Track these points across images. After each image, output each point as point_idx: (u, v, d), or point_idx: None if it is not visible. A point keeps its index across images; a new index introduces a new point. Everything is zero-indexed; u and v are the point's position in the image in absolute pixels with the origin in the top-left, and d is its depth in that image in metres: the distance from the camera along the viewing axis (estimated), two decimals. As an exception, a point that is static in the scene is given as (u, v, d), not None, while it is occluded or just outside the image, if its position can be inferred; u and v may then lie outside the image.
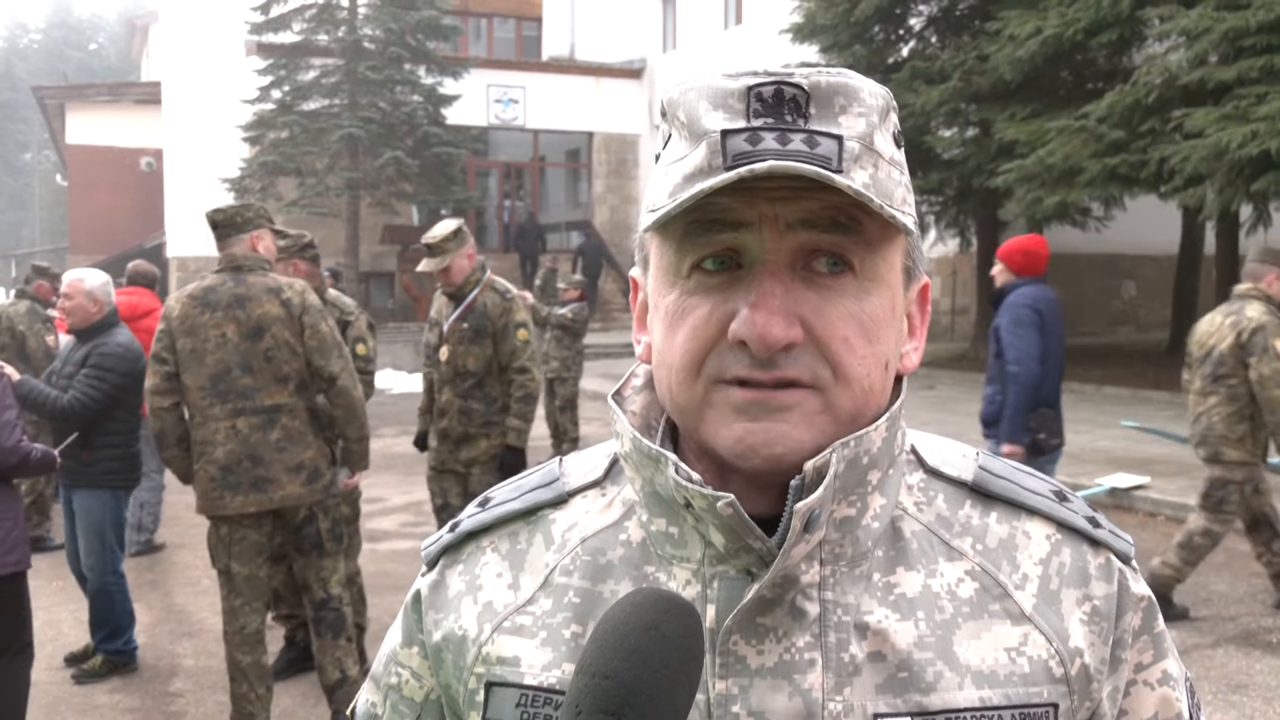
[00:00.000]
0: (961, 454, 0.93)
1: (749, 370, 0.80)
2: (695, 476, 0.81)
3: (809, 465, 0.80)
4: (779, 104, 0.79)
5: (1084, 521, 0.90)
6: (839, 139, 0.79)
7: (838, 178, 0.75)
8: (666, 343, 0.84)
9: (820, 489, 0.79)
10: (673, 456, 0.82)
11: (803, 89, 0.79)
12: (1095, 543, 0.90)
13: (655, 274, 0.87)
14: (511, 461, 5.36)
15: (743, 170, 0.76)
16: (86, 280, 5.48)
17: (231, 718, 4.48)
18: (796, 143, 0.78)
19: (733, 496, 0.79)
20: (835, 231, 0.79)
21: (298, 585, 5.37)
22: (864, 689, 0.82)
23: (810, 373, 0.80)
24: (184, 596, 6.80)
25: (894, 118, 0.85)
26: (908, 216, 0.82)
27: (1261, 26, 10.87)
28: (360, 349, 5.33)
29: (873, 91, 0.81)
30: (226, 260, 4.39)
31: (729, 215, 0.80)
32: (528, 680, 0.87)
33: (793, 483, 0.81)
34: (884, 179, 0.80)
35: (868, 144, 0.80)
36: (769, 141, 0.78)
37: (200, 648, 5.91)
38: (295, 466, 4.35)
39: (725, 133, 0.79)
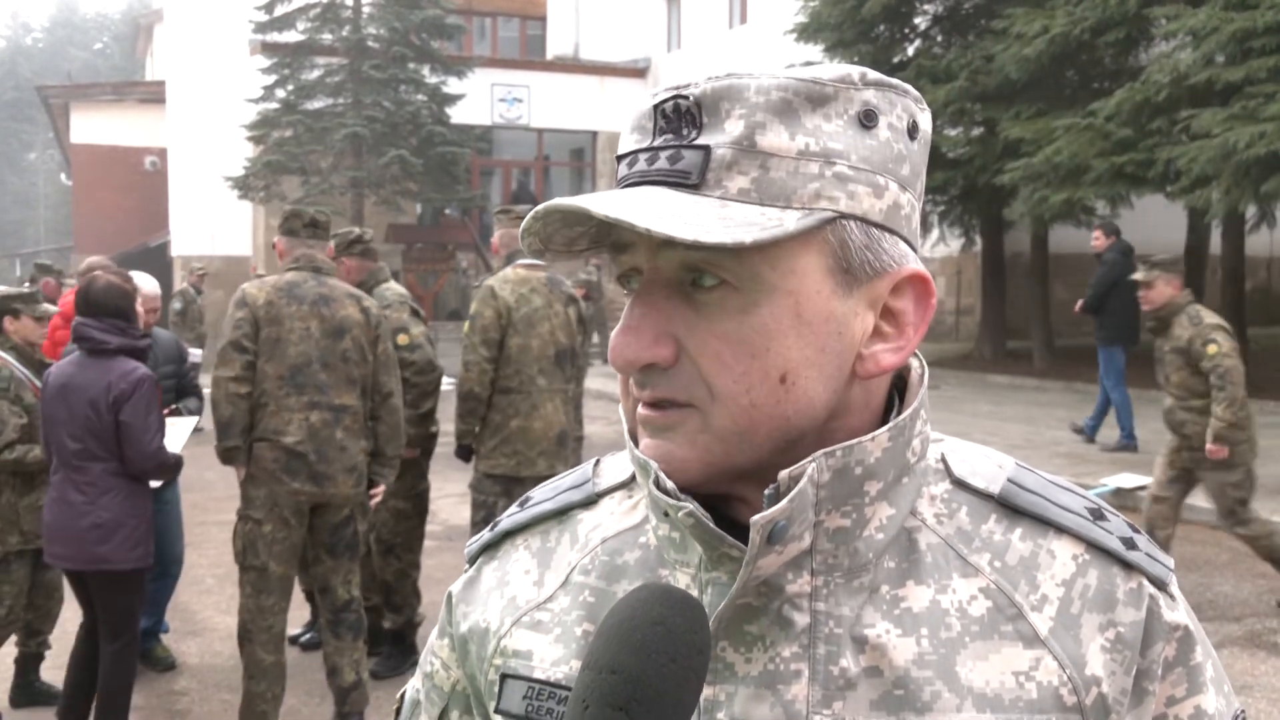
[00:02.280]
0: (997, 465, 0.89)
1: (635, 389, 0.82)
2: (669, 485, 0.80)
3: (784, 474, 0.79)
4: (678, 118, 0.79)
5: (1117, 543, 0.86)
6: (706, 149, 0.78)
7: (599, 210, 0.74)
8: None
9: (782, 502, 0.78)
10: (655, 465, 0.81)
11: (692, 99, 0.79)
12: (1127, 566, 0.85)
13: None
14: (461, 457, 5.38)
15: (537, 209, 0.79)
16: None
17: (241, 715, 4.48)
18: (661, 160, 0.79)
19: (691, 506, 0.78)
20: (698, 247, 0.77)
21: (374, 575, 5.60)
22: (857, 704, 0.80)
23: (685, 392, 0.80)
24: (188, 595, 6.80)
25: (862, 96, 0.80)
26: (819, 211, 0.78)
27: (1269, 27, 10.84)
28: (401, 339, 5.28)
29: (763, 87, 0.78)
30: (306, 260, 4.46)
31: (618, 238, 0.82)
32: (536, 674, 0.89)
33: (766, 492, 0.79)
34: (780, 178, 0.77)
35: (746, 146, 0.77)
36: (641, 163, 0.80)
37: (204, 646, 5.91)
38: (350, 467, 4.42)
39: (619, 157, 0.83)
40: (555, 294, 5.24)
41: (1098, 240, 10.55)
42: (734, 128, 0.78)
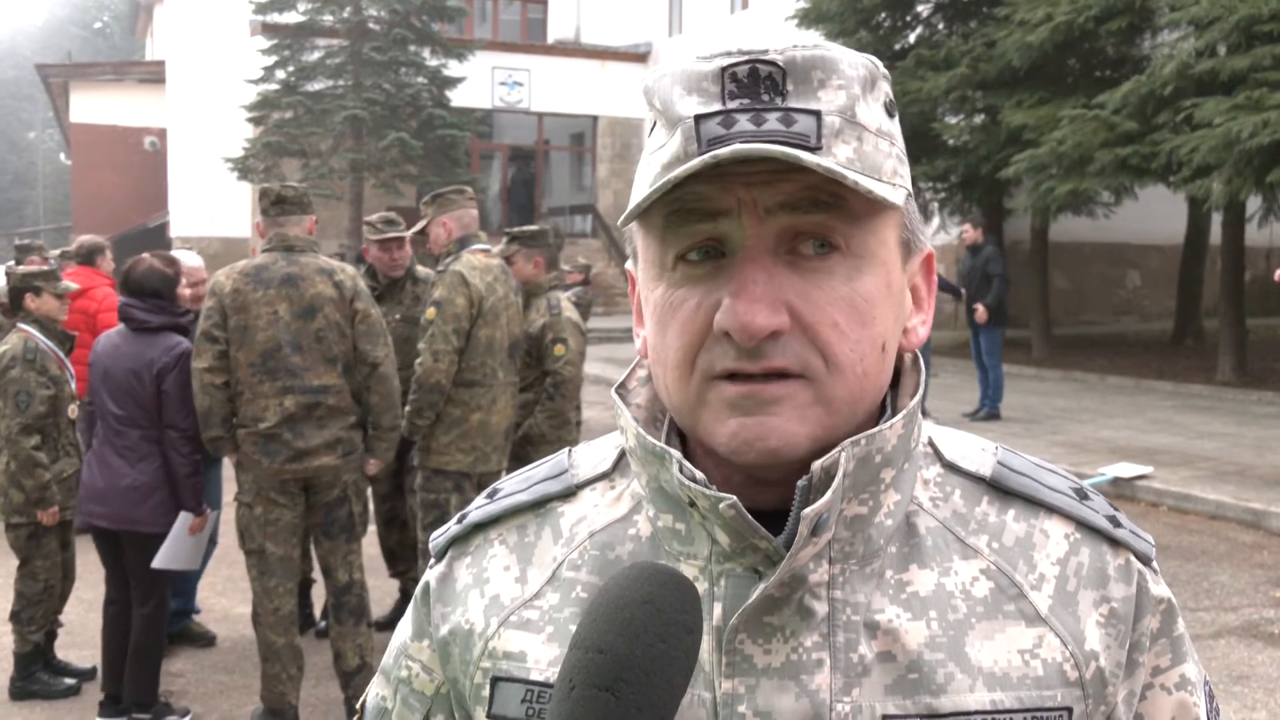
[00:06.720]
0: (980, 448, 0.91)
1: (737, 362, 0.78)
2: (699, 476, 0.79)
3: (817, 465, 0.78)
4: (755, 83, 0.77)
5: (1104, 521, 0.88)
6: (817, 115, 0.77)
7: (807, 157, 0.73)
8: (658, 339, 0.82)
9: (829, 493, 0.77)
10: (677, 454, 0.80)
11: (778, 65, 0.77)
12: (1115, 543, 0.88)
13: (643, 267, 0.85)
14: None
15: (707, 157, 0.74)
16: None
17: (262, 697, 4.50)
18: (772, 122, 0.76)
19: (734, 499, 0.77)
20: (816, 211, 0.77)
21: (411, 545, 5.66)
22: (873, 690, 0.80)
23: (800, 361, 0.78)
24: (184, 577, 6.80)
25: (885, 86, 0.83)
26: (898, 189, 0.80)
27: (1275, 14, 10.79)
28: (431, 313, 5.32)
29: (852, 62, 0.79)
30: (278, 239, 4.41)
31: (707, 204, 0.78)
32: (534, 675, 0.86)
33: (800, 483, 0.79)
34: (870, 152, 0.78)
35: (849, 117, 0.78)
36: (744, 123, 0.77)
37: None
38: (331, 442, 4.38)
39: (699, 117, 0.78)
40: (509, 283, 5.04)
41: (968, 234, 11.64)
42: (835, 98, 0.77)
